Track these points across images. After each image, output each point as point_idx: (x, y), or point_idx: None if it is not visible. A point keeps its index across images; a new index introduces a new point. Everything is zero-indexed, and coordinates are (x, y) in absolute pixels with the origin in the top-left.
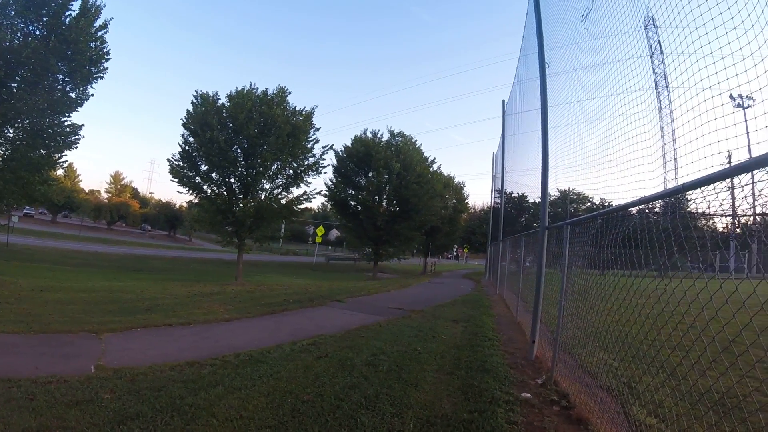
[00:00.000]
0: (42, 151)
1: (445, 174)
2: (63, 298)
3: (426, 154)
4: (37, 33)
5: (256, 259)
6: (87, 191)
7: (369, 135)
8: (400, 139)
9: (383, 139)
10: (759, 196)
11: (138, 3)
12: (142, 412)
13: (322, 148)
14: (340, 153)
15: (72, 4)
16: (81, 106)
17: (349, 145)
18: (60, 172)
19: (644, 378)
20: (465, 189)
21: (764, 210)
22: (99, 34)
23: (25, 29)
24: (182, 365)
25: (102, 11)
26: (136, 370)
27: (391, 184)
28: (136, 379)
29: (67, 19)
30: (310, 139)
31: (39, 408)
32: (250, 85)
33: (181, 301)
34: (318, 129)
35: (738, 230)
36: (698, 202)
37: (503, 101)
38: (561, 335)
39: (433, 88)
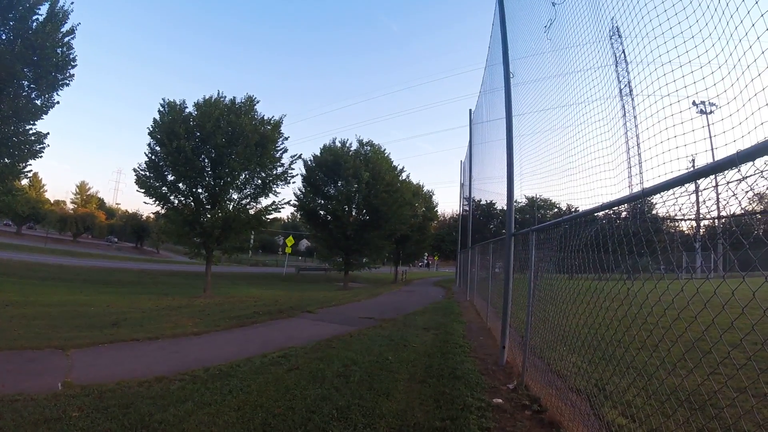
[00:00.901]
0: (6, 159)
1: (415, 182)
2: (28, 312)
3: (395, 163)
4: (3, 37)
5: (226, 270)
6: (52, 202)
7: (338, 144)
8: (369, 148)
9: (352, 148)
10: (719, 199)
11: (103, 12)
12: (111, 429)
13: (291, 157)
14: (309, 162)
15: (39, 8)
16: (46, 113)
17: (318, 155)
18: (25, 181)
19: (613, 379)
20: (434, 197)
21: (725, 212)
22: (66, 39)
23: None
24: (150, 381)
25: (69, 16)
26: (104, 387)
27: (360, 193)
28: (105, 396)
29: (34, 24)
30: (279, 148)
31: (6, 427)
32: (218, 94)
33: (148, 315)
34: (286, 138)
35: (702, 232)
36: (661, 206)
37: (470, 110)
38: (530, 340)
39: (402, 98)
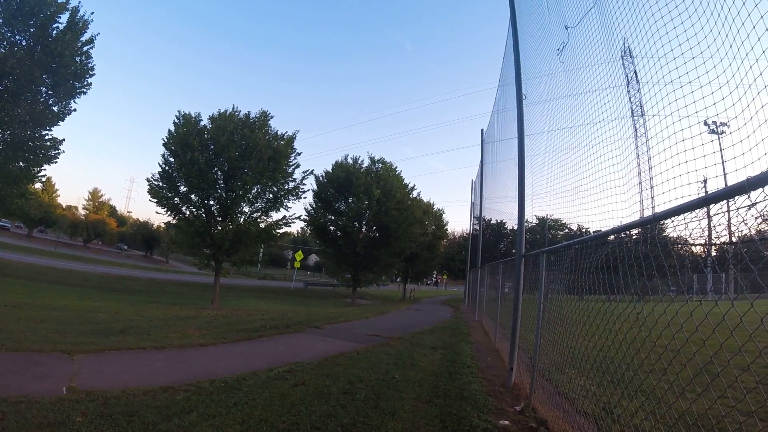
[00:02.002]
0: (21, 163)
1: (425, 200)
2: (36, 315)
3: (406, 181)
4: (24, 43)
5: (234, 283)
6: (64, 207)
7: (349, 161)
8: (380, 165)
9: (364, 165)
10: (730, 224)
11: (125, 13)
12: None
13: (303, 172)
14: (321, 178)
15: (60, 17)
16: (63, 120)
17: (330, 171)
18: (38, 185)
19: (622, 402)
20: (444, 215)
21: (736, 238)
22: (85, 48)
23: (12, 38)
24: (156, 390)
25: (89, 26)
26: (109, 394)
27: (370, 210)
28: (109, 403)
29: (54, 32)
30: (291, 163)
31: (9, 428)
32: (233, 108)
33: (156, 324)
34: (299, 154)
35: (715, 255)
36: (672, 230)
37: (482, 130)
38: (539, 361)
39: (414, 116)
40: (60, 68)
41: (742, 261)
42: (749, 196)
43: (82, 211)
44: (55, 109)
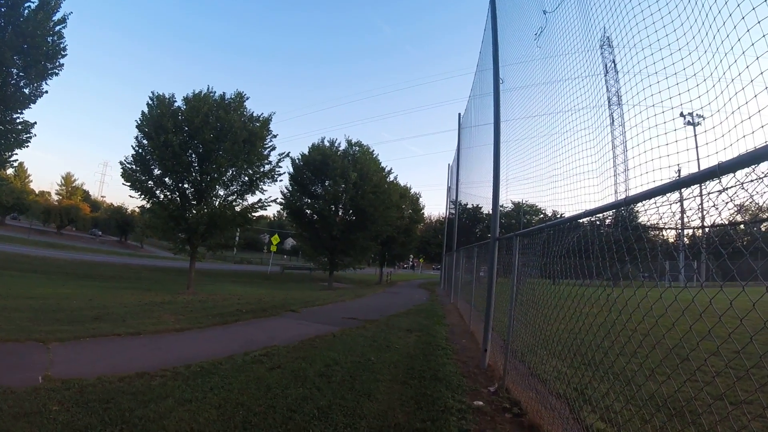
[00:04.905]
0: None
1: (402, 184)
2: (9, 304)
3: (383, 165)
4: None
5: (209, 267)
6: (37, 193)
7: (326, 144)
8: (357, 148)
9: (341, 149)
10: (700, 208)
11: (95, 7)
12: (92, 424)
13: (279, 155)
14: (297, 161)
15: None
16: (34, 102)
17: (306, 154)
18: (10, 171)
19: (593, 383)
20: (421, 199)
21: (707, 222)
22: (57, 28)
23: None
24: (132, 377)
25: (61, 5)
26: (85, 382)
27: (347, 194)
28: (85, 391)
29: (26, 12)
30: (267, 146)
31: None
32: (208, 89)
33: (131, 311)
34: (275, 136)
35: (686, 241)
36: (643, 214)
37: (459, 115)
38: (512, 343)
39: (392, 100)
40: (31, 49)
41: (712, 246)
42: (720, 181)
43: (55, 197)
44: (27, 91)
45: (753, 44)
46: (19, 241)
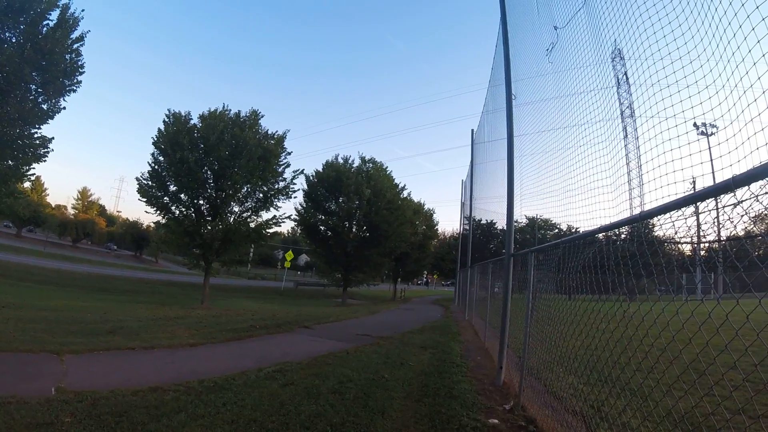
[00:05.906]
0: (10, 162)
1: (416, 200)
2: (24, 315)
3: (396, 181)
4: (13, 40)
5: (223, 283)
6: (53, 206)
7: (340, 160)
8: (371, 165)
9: (354, 165)
10: (715, 222)
11: (115, 4)
12: None
13: (293, 172)
14: (311, 178)
15: (50, 14)
16: (52, 118)
17: (320, 170)
18: (27, 184)
19: (609, 400)
20: (435, 215)
21: (723, 235)
22: (75, 46)
23: (1, 36)
24: (145, 390)
25: (80, 23)
26: (98, 394)
27: (361, 210)
28: (98, 404)
29: (44, 29)
30: (281, 163)
31: None
32: (223, 107)
33: (145, 325)
34: (289, 153)
35: (703, 255)
36: (659, 228)
37: (472, 130)
38: (528, 360)
39: (405, 116)
40: (50, 66)
41: (728, 259)
42: (735, 194)
43: (71, 211)
44: (45, 107)
45: (764, 54)
46: (35, 254)
